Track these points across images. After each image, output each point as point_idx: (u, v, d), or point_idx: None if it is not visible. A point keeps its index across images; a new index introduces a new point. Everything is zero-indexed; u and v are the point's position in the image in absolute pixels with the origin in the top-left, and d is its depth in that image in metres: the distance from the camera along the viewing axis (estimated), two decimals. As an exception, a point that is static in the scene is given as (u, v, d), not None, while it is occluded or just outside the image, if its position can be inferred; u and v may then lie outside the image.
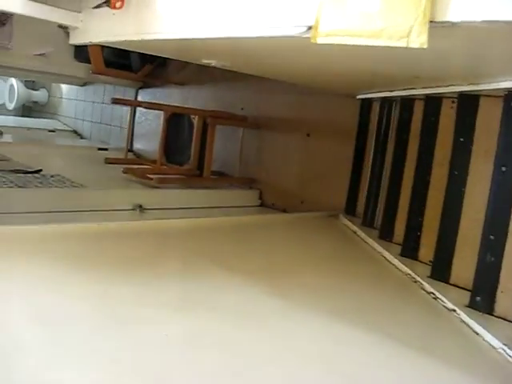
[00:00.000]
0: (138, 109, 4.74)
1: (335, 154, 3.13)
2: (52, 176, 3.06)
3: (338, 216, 2.85)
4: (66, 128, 5.62)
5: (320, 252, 2.13)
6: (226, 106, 3.70)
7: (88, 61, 4.12)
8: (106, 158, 3.26)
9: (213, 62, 2.01)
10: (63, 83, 5.58)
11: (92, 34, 1.71)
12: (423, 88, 2.20)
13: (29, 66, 3.95)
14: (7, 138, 4.50)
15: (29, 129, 5.21)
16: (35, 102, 6.34)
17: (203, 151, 3.32)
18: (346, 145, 3.04)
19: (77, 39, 1.78)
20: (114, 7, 1.60)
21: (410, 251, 2.17)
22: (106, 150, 4.55)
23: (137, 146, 4.61)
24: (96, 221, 2.10)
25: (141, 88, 4.67)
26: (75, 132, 5.58)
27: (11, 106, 5.97)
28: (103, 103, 5.19)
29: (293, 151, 3.38)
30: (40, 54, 4.10)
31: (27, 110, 6.51)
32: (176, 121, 3.39)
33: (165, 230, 2.15)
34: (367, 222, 2.62)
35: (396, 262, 2.12)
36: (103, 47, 3.93)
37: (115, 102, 3.29)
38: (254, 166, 3.62)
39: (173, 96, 4.25)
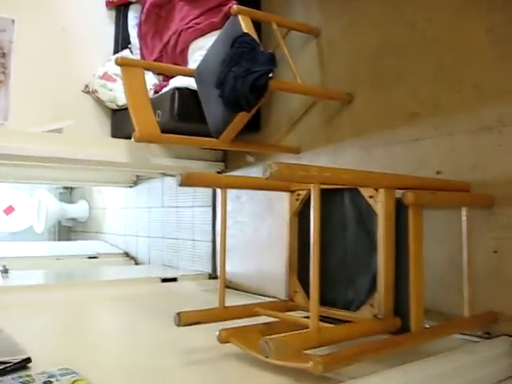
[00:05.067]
0: (218, 209, 2.95)
1: None
2: (52, 377, 1.20)
3: None
4: (114, 250, 3.86)
5: None
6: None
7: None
8: (179, 316, 1.39)
9: None
10: (103, 183, 3.89)
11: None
12: None
13: (34, 152, 2.26)
14: (17, 277, 2.75)
15: (58, 258, 3.48)
16: (74, 220, 4.69)
17: (398, 270, 1.41)
18: None
19: None
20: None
21: None
22: (174, 280, 2.73)
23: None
24: None
25: (220, 173, 2.89)
26: (127, 254, 3.80)
27: (40, 227, 4.32)
28: (163, 207, 3.44)
29: None
30: (54, 131, 2.43)
31: (65, 231, 4.87)
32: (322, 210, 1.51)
33: None
34: None
35: None
36: (154, 107, 2.22)
37: (186, 182, 1.45)
38: (492, 284, 1.67)
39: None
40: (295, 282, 1.69)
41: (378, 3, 2.06)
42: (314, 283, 1.21)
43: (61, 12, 2.73)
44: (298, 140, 2.34)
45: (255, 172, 2.60)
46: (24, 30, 2.59)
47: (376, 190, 1.41)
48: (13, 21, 2.55)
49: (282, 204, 2.29)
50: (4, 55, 2.51)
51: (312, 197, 1.21)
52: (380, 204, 1.38)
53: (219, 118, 2.07)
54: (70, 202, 4.76)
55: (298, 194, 1.67)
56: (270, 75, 1.83)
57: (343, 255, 1.53)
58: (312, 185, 1.20)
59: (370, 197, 1.43)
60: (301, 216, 1.69)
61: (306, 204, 1.65)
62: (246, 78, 1.81)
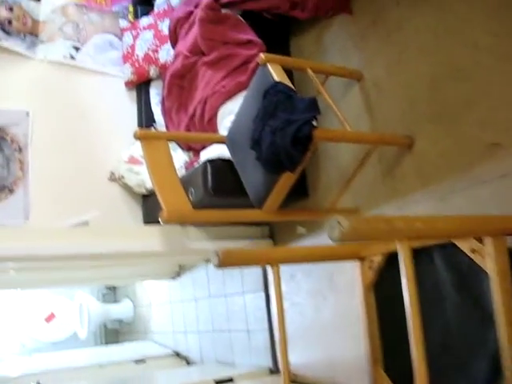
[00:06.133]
0: (272, 292, 2.59)
1: None
2: None
3: None
4: (163, 351, 3.49)
5: None
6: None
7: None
8: None
9: None
10: (144, 277, 3.61)
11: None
12: None
13: (61, 250, 2.01)
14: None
15: (101, 366, 3.14)
16: (120, 321, 4.38)
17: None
18: None
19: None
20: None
21: None
22: (229, 381, 2.34)
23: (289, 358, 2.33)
24: None
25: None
26: (177, 354, 3.43)
27: (84, 333, 4.02)
28: (210, 297, 3.09)
29: None
30: (79, 224, 2.18)
31: (112, 334, 4.54)
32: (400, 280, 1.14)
33: None
34: None
35: None
36: (186, 186, 1.96)
37: (225, 262, 1.13)
38: None
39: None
40: (381, 376, 1.30)
41: (427, 28, 1.78)
42: (421, 376, 0.84)
43: (78, 98, 2.55)
44: (354, 200, 2.00)
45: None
46: (40, 121, 2.41)
47: (479, 240, 1.04)
48: (27, 113, 2.38)
49: (345, 276, 1.93)
50: (20, 150, 2.32)
51: (401, 259, 0.85)
52: (489, 259, 1.01)
53: (259, 184, 1.76)
54: (115, 302, 4.47)
55: (371, 261, 1.31)
56: (314, 123, 1.54)
57: (444, 333, 1.15)
58: (398, 243, 0.85)
59: (473, 251, 1.07)
60: (377, 288, 1.32)
61: (382, 272, 1.29)
62: (286, 130, 1.51)
